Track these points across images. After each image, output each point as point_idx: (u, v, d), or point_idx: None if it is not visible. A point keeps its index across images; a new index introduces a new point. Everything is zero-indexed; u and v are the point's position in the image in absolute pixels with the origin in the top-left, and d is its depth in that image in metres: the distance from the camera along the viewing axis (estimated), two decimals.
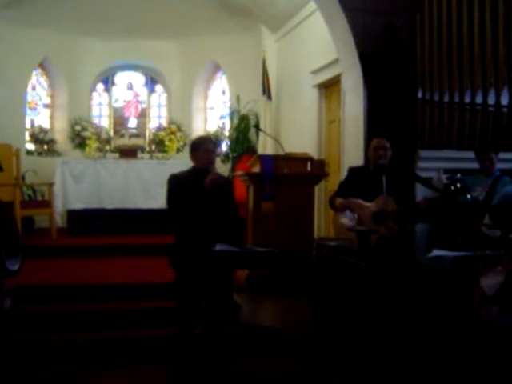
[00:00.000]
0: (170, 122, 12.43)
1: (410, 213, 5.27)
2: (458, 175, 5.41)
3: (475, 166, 5.83)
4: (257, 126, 10.07)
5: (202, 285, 4.53)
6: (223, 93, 12.56)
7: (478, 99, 6.77)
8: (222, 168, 9.11)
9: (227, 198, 4.74)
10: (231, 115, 11.64)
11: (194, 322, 4.61)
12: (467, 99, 6.75)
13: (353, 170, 5.76)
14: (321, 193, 8.58)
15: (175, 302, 4.70)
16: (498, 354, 3.18)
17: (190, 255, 4.48)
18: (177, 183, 4.66)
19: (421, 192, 5.91)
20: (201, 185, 4.51)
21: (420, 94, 6.63)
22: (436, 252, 4.15)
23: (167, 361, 4.96)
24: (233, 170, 10.06)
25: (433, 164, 6.60)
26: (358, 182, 5.43)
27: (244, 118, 11.03)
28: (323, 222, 8.80)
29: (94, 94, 12.63)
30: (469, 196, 5.40)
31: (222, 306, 4.65)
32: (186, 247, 4.53)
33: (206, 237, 4.40)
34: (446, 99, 6.71)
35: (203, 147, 4.70)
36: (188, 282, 4.54)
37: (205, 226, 4.50)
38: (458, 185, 5.11)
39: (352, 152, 7.05)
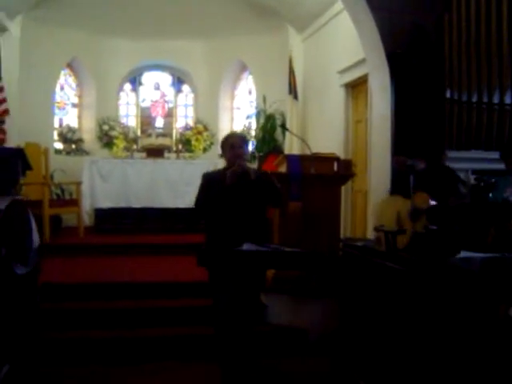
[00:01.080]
0: (197, 121, 12.49)
1: (442, 210, 5.26)
2: (485, 177, 5.41)
3: (503, 166, 5.78)
4: (283, 126, 10.07)
5: (233, 283, 4.46)
6: (249, 92, 12.57)
7: (507, 99, 6.72)
8: None
9: (269, 185, 4.61)
10: (257, 115, 11.63)
11: (232, 319, 4.53)
12: (496, 99, 6.70)
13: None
14: (347, 193, 8.56)
15: (211, 300, 4.65)
16: None
17: (218, 254, 4.43)
18: (207, 181, 4.62)
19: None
20: (224, 182, 4.46)
21: (448, 94, 6.60)
22: (464, 253, 4.12)
23: (194, 359, 4.98)
24: (259, 169, 10.07)
25: (461, 164, 6.55)
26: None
27: (270, 118, 11.02)
28: (349, 223, 8.78)
29: (122, 94, 12.72)
30: (502, 195, 5.41)
31: (251, 305, 4.58)
32: (215, 246, 4.49)
33: (234, 234, 4.35)
34: (474, 99, 6.67)
35: (229, 143, 4.63)
36: (220, 281, 4.48)
37: (232, 224, 4.44)
38: (482, 184, 5.12)
39: (379, 152, 7.03)
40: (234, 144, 4.60)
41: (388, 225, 5.27)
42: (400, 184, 5.50)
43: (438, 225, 5.27)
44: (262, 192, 4.55)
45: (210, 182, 4.60)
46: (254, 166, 10.73)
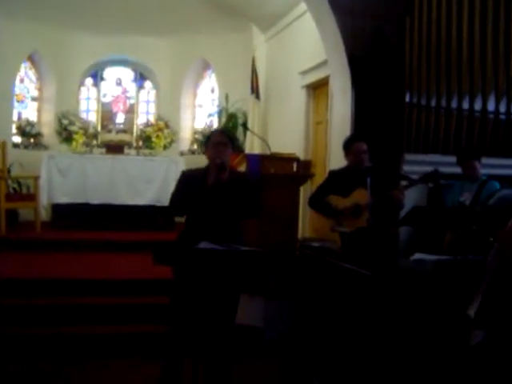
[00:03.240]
0: (158, 118, 12.41)
1: (384, 204, 5.30)
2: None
3: (460, 170, 5.87)
4: (244, 125, 10.08)
5: (200, 284, 4.32)
6: (212, 91, 12.55)
7: (465, 105, 6.81)
8: None
9: (239, 196, 4.31)
10: (219, 113, 11.63)
11: (189, 320, 4.43)
12: (454, 104, 6.79)
13: (334, 174, 5.76)
14: (306, 193, 8.55)
15: (162, 299, 4.56)
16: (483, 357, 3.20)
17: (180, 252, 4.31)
18: (186, 179, 4.42)
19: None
20: (204, 182, 4.26)
21: (407, 98, 6.66)
22: (418, 255, 4.17)
23: (152, 356, 4.94)
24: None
25: (418, 168, 6.61)
26: (339, 185, 5.45)
27: (232, 117, 11.03)
28: (308, 223, 8.81)
29: (83, 89, 12.58)
30: (459, 199, 5.52)
31: (227, 306, 4.44)
32: (186, 244, 4.34)
33: (206, 235, 4.13)
34: (433, 104, 6.74)
35: (211, 141, 4.38)
36: (182, 281, 4.35)
37: (205, 224, 4.28)
38: (429, 170, 5.20)
39: (338, 153, 7.03)
40: (215, 142, 4.35)
41: (324, 228, 5.30)
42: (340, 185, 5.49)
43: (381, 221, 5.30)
44: (236, 197, 4.30)
45: (190, 180, 4.39)
46: None
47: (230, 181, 4.26)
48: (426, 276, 3.74)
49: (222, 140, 4.36)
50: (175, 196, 4.42)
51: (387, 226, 5.44)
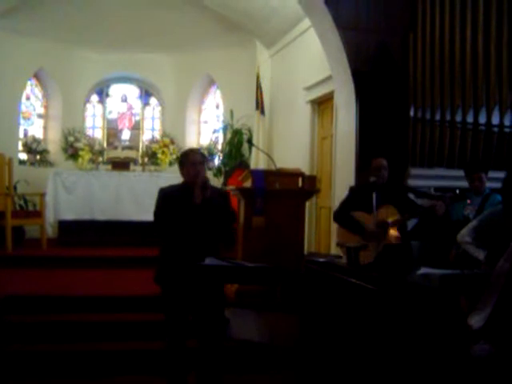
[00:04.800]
0: (164, 134, 12.46)
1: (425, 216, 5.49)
2: (457, 191, 5.54)
3: (465, 184, 5.87)
4: (249, 141, 10.10)
5: (188, 299, 4.48)
6: (217, 107, 12.61)
7: (469, 118, 6.84)
8: (214, 182, 9.12)
9: (222, 209, 4.55)
10: (224, 129, 11.67)
11: (182, 335, 4.55)
12: (458, 118, 6.82)
13: (354, 189, 5.96)
14: (312, 208, 8.61)
15: (163, 316, 4.66)
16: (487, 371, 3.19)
17: (175, 270, 4.43)
18: (164, 197, 4.54)
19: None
20: (188, 199, 4.40)
21: (412, 112, 6.69)
22: (424, 269, 4.17)
23: (156, 373, 4.95)
24: (225, 184, 10.09)
25: (423, 182, 6.64)
26: (359, 200, 5.62)
27: (237, 133, 11.06)
28: (313, 238, 8.82)
29: (88, 106, 12.67)
30: (469, 212, 5.56)
31: (214, 320, 4.56)
32: (171, 262, 4.46)
33: (192, 252, 4.31)
34: (437, 118, 6.77)
35: (189, 160, 4.54)
36: (173, 297, 4.47)
37: (191, 241, 4.41)
38: (457, 191, 5.28)
39: (344, 168, 7.09)
40: (193, 162, 4.52)
41: (350, 241, 5.36)
42: (361, 200, 5.58)
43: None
44: (213, 209, 4.48)
45: (167, 198, 4.52)
46: (221, 180, 10.76)
47: (212, 195, 4.46)
48: (432, 290, 3.73)
49: (199, 159, 4.57)
50: (159, 212, 4.54)
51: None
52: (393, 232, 5.42)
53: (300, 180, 6.56)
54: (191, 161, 4.54)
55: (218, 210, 4.51)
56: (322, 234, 8.67)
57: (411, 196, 5.89)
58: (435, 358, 3.48)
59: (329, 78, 7.85)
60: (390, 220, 5.42)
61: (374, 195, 5.33)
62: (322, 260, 4.87)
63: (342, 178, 7.04)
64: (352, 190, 5.97)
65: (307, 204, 6.89)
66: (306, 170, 7.85)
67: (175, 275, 4.41)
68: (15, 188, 9.96)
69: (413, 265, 5.49)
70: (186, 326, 4.54)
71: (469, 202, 5.73)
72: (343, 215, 5.69)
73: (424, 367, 3.52)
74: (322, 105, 8.90)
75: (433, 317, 3.52)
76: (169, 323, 4.54)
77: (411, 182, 6.62)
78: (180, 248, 4.45)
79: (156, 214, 4.54)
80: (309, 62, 8.99)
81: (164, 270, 4.53)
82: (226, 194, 4.99)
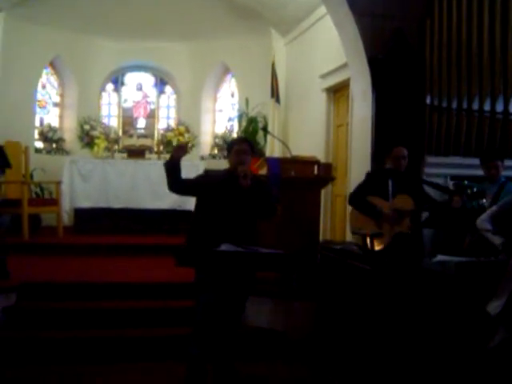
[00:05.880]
0: (179, 123, 12.46)
1: (440, 211, 5.53)
2: (466, 182, 5.53)
3: (481, 172, 5.83)
4: (265, 129, 10.08)
5: (224, 284, 4.47)
6: (232, 95, 12.58)
7: (486, 106, 6.78)
8: None
9: (261, 199, 4.65)
10: (239, 118, 11.63)
11: (212, 321, 4.54)
12: (475, 106, 6.77)
13: (371, 174, 5.97)
14: (327, 196, 8.59)
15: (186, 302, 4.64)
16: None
17: (203, 253, 4.43)
18: (207, 178, 4.71)
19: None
20: (227, 186, 4.50)
21: (428, 100, 6.65)
22: (440, 257, 4.16)
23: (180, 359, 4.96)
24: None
25: (439, 170, 6.62)
26: (376, 185, 5.63)
27: (252, 121, 11.03)
28: (329, 225, 8.81)
29: (104, 94, 12.67)
30: (484, 201, 5.54)
31: (237, 306, 4.60)
32: (202, 244, 4.43)
33: (228, 239, 4.30)
34: (454, 106, 6.72)
35: (234, 149, 4.64)
36: (202, 282, 4.49)
37: (226, 228, 4.45)
38: (475, 189, 5.27)
39: (359, 156, 7.06)
40: (238, 150, 4.62)
41: (365, 227, 5.36)
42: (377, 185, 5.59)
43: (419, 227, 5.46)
44: (255, 201, 4.57)
45: (210, 179, 4.67)
46: None
47: (253, 185, 4.50)
48: (448, 277, 3.73)
49: (244, 148, 4.64)
50: (189, 180, 4.66)
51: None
52: (406, 221, 5.43)
53: (316, 168, 6.54)
54: (235, 150, 4.63)
55: (256, 201, 4.59)
56: (337, 222, 8.66)
57: (426, 188, 5.89)
58: (452, 346, 3.47)
59: (344, 66, 7.81)
60: (405, 209, 5.42)
61: (390, 182, 5.32)
62: (337, 247, 4.86)
63: (358, 166, 7.02)
64: (369, 174, 5.97)
65: (322, 192, 6.88)
66: (321, 157, 7.82)
67: (202, 257, 4.40)
68: (32, 176, 10.01)
69: (423, 254, 5.50)
70: (216, 312, 4.54)
71: (484, 201, 5.70)
72: (359, 198, 5.69)
73: (441, 355, 3.51)
74: (338, 92, 8.87)
75: (449, 304, 3.52)
76: (199, 309, 4.52)
77: (427, 171, 6.59)
78: (211, 231, 4.48)
79: (186, 178, 4.62)
80: (324, 50, 8.95)
81: (191, 251, 4.51)
82: (266, 184, 5.11)
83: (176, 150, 4.64)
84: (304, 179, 6.38)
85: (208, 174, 4.75)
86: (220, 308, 4.53)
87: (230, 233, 4.40)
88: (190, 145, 10.25)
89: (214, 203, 4.52)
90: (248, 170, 4.51)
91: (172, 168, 4.59)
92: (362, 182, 5.87)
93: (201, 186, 4.64)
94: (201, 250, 4.26)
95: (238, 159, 4.56)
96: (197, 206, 4.75)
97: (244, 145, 4.69)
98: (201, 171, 5.44)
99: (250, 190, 4.46)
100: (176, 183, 4.61)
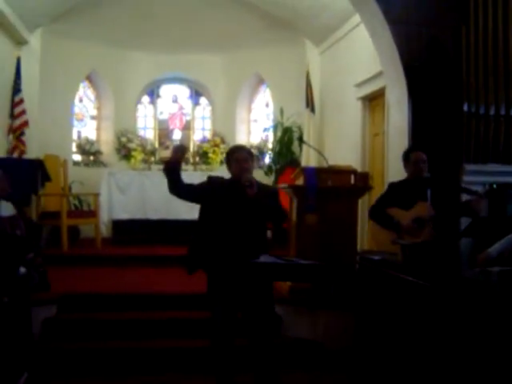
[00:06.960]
0: (214, 134, 12.54)
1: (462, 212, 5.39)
2: (494, 186, 5.45)
3: None
4: (300, 139, 10.08)
5: (237, 295, 4.46)
6: (267, 105, 12.60)
7: None
8: (265, 181, 9.10)
9: (269, 207, 4.55)
10: (274, 128, 11.63)
11: (229, 333, 4.53)
12: None
13: (394, 185, 5.76)
14: (364, 206, 8.52)
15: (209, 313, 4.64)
16: None
17: (220, 265, 4.42)
18: (211, 184, 4.66)
19: None
20: (231, 195, 4.47)
21: (466, 108, 6.58)
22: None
23: (206, 371, 4.97)
24: (276, 182, 10.09)
25: (478, 178, 6.53)
26: (400, 197, 5.45)
27: (287, 131, 11.03)
28: (366, 235, 8.75)
29: (140, 107, 12.80)
30: None
31: (264, 318, 4.54)
32: (210, 255, 4.47)
33: (235, 247, 4.34)
34: (491, 112, 6.65)
35: (234, 157, 4.60)
36: (220, 293, 4.48)
37: (231, 236, 4.43)
38: (494, 186, 5.19)
39: (396, 165, 6.99)
40: (238, 158, 4.57)
41: (383, 238, 5.29)
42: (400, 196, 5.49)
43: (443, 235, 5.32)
44: (261, 208, 4.49)
45: (214, 186, 4.63)
46: (271, 178, 10.75)
47: (259, 193, 4.44)
48: (491, 287, 3.67)
49: (244, 156, 4.60)
50: (192, 185, 4.67)
51: (450, 239, 5.43)
52: (428, 229, 5.29)
53: (352, 177, 6.51)
54: (235, 158, 4.59)
55: (264, 208, 4.50)
56: (376, 231, 8.58)
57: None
58: (495, 356, 3.42)
59: (379, 74, 7.79)
60: (425, 216, 5.28)
61: (429, 192, 5.25)
62: (376, 258, 4.82)
63: (395, 175, 6.95)
64: (391, 185, 5.83)
65: (360, 201, 6.84)
66: (357, 167, 7.79)
67: (221, 271, 4.41)
68: (70, 189, 10.14)
69: (459, 263, 5.41)
70: (233, 324, 4.53)
71: None
72: (378, 212, 5.58)
73: (484, 365, 3.46)
74: (373, 101, 8.84)
75: (492, 314, 3.46)
76: (214, 320, 4.52)
77: (466, 178, 6.51)
78: (219, 242, 4.46)
79: (190, 184, 4.62)
80: (359, 59, 8.93)
81: (199, 258, 4.56)
82: (275, 191, 4.96)
83: (174, 152, 4.60)
84: (341, 189, 6.36)
85: (211, 181, 4.69)
86: (234, 319, 4.53)
87: (236, 242, 4.41)
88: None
89: (219, 212, 4.49)
90: (252, 177, 4.46)
91: (171, 170, 4.57)
92: (383, 194, 5.78)
93: (205, 192, 4.61)
94: (220, 260, 4.28)
95: (240, 167, 4.53)
96: (201, 214, 4.69)
97: (244, 152, 4.65)
98: None
99: (255, 197, 4.40)
100: (176, 187, 4.60)
